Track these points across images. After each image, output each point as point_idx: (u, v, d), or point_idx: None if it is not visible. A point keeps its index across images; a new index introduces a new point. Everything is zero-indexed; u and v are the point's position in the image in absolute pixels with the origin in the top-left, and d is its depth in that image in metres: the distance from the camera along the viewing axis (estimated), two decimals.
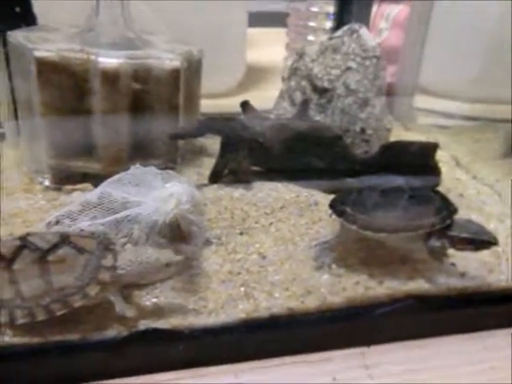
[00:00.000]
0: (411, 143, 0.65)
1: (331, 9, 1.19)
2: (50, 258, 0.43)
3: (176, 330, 0.47)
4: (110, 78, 0.63)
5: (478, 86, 1.02)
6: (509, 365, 0.50)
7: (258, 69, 1.40)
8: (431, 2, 0.97)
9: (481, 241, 0.50)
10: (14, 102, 0.70)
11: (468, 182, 0.74)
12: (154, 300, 0.50)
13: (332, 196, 0.64)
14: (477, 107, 1.01)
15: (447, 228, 0.50)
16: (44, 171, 0.68)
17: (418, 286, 0.52)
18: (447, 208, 0.50)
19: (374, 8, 1.37)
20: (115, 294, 0.45)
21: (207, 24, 1.02)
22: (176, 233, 0.54)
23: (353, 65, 0.78)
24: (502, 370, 0.50)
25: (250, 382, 0.47)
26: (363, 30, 0.79)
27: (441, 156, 0.83)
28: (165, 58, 0.67)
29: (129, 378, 0.46)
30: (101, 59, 0.62)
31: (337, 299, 0.50)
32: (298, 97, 0.83)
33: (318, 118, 0.80)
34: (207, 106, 0.85)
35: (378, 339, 0.52)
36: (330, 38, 0.81)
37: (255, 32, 1.40)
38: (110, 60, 0.62)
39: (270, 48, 1.51)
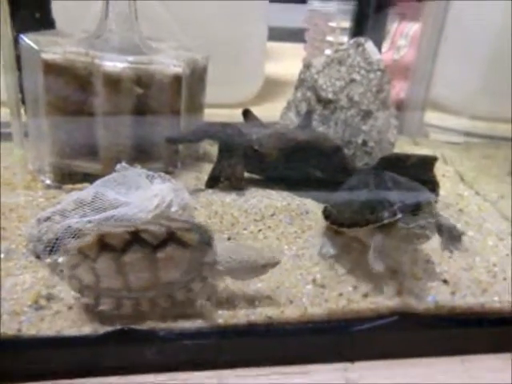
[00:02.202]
0: (410, 156, 0.64)
1: (348, 24, 1.20)
2: (159, 254, 0.45)
3: (151, 331, 0.47)
4: (113, 81, 0.65)
5: (493, 104, 0.99)
6: None
7: (275, 81, 1.42)
8: (443, 19, 0.96)
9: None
10: (24, 102, 0.73)
11: (470, 198, 0.72)
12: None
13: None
14: (491, 126, 0.98)
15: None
16: (46, 170, 0.70)
17: (405, 302, 0.50)
18: (402, 202, 0.48)
19: (395, 25, 1.37)
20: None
21: (228, 36, 1.06)
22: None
23: (357, 77, 0.77)
24: None
25: None
26: (368, 44, 0.79)
27: (445, 171, 0.82)
28: (167, 64, 0.68)
29: (102, 378, 0.46)
30: (104, 63, 0.64)
31: (318, 311, 0.49)
32: (304, 107, 0.83)
33: (321, 129, 0.79)
34: (224, 115, 0.87)
35: (361, 356, 0.50)
36: (336, 51, 0.81)
37: (274, 46, 1.43)
38: (113, 64, 0.64)
39: (288, 62, 1.53)
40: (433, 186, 0.63)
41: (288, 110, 0.87)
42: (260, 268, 0.48)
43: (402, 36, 1.36)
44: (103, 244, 0.45)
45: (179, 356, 0.48)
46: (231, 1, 1.04)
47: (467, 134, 1.03)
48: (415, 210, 0.48)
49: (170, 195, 0.51)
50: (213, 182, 0.70)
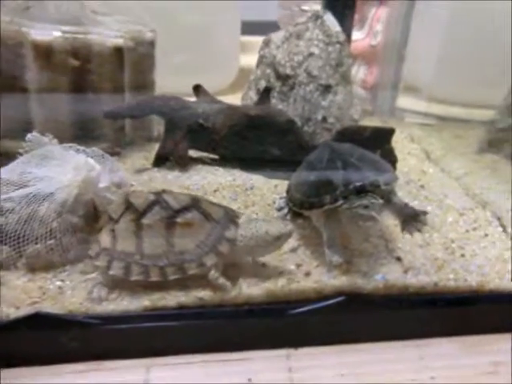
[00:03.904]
0: (366, 127, 0.60)
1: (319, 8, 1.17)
2: (179, 219, 0.43)
3: (70, 316, 0.42)
4: (44, 52, 0.60)
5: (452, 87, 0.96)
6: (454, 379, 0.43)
7: (250, 71, 1.40)
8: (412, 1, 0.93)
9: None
10: None
11: (435, 175, 0.68)
12: (59, 283, 0.46)
13: (273, 181, 0.61)
14: (465, 110, 0.95)
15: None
16: None
17: (352, 281, 0.46)
18: (345, 186, 0.45)
19: (372, 11, 1.34)
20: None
21: (204, 28, 1.04)
22: (92, 212, 0.50)
23: (315, 50, 0.73)
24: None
25: (156, 381, 0.41)
26: (328, 16, 0.75)
27: (411, 149, 0.78)
28: (107, 35, 0.64)
29: (13, 370, 0.41)
30: (33, 32, 0.59)
31: (254, 291, 0.45)
32: (263, 85, 0.79)
33: (280, 106, 0.75)
34: None
35: (305, 341, 0.46)
36: (296, 25, 0.77)
37: (249, 40, 1.42)
38: (43, 33, 0.59)
39: None
40: (390, 158, 0.59)
41: (249, 89, 0.83)
42: (274, 240, 0.44)
43: (379, 21, 1.33)
44: (128, 204, 0.43)
45: (101, 343, 0.43)
46: None
47: (442, 118, 0.99)
48: (360, 193, 0.45)
49: (92, 170, 0.46)
50: (159, 161, 0.65)
